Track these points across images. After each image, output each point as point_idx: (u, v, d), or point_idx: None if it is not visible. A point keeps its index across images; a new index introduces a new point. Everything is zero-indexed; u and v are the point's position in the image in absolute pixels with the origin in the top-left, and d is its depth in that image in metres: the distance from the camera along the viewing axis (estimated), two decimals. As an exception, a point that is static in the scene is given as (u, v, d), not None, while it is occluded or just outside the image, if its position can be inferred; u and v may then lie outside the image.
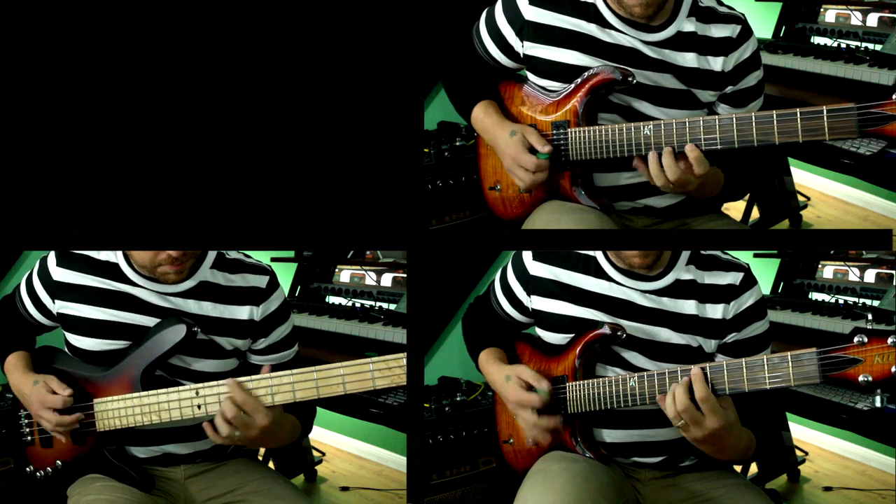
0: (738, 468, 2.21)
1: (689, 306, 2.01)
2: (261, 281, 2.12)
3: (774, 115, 1.93)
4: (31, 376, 2.08)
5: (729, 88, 2.10)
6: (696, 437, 1.86)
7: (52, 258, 2.09)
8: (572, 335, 2.05)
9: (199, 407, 2.01)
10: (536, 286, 2.10)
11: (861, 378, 1.75)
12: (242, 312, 2.09)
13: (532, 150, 2.09)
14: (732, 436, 1.88)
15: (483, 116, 2.17)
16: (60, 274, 2.08)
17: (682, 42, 2.07)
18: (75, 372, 2.08)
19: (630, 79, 2.03)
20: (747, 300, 2.02)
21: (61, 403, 2.05)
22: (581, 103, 2.07)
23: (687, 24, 2.07)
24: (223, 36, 2.28)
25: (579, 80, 2.07)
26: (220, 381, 2.00)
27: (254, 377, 1.99)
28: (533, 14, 2.11)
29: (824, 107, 1.89)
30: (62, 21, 2.26)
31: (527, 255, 2.12)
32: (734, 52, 2.08)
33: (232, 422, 1.95)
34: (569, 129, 2.09)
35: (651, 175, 2.00)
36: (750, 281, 2.03)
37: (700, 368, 1.86)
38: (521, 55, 2.14)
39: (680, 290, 2.02)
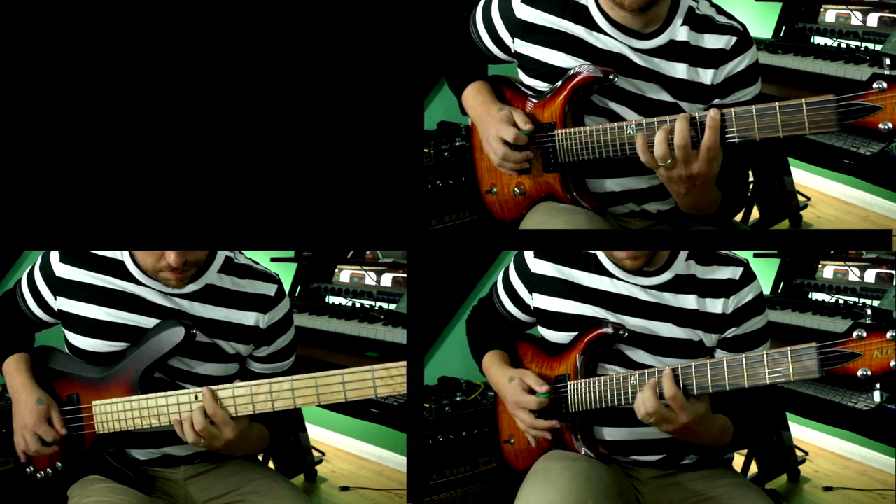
0: (738, 468, 2.21)
1: (689, 301, 2.01)
2: (269, 289, 2.12)
3: (754, 110, 1.88)
4: (35, 391, 2.06)
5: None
6: (668, 430, 1.91)
7: (55, 254, 2.08)
8: (574, 333, 2.06)
9: (197, 412, 2.01)
10: (538, 284, 2.11)
11: (860, 372, 1.75)
12: (249, 319, 2.09)
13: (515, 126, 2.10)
14: (703, 426, 1.91)
15: (475, 95, 2.17)
16: (63, 270, 2.07)
17: (674, 52, 2.03)
18: (73, 373, 2.08)
19: (611, 76, 2.02)
20: (747, 295, 2.02)
21: (50, 439, 2.04)
22: (565, 104, 2.06)
23: (681, 33, 2.03)
24: (223, 36, 2.28)
25: (560, 81, 2.07)
26: (221, 386, 1.99)
27: (253, 382, 1.98)
28: (524, 13, 2.10)
29: (803, 100, 1.85)
30: (62, 21, 2.26)
31: (528, 253, 2.13)
32: (726, 65, 2.03)
33: (200, 433, 1.96)
34: (555, 131, 2.08)
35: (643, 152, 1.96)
36: (749, 276, 2.03)
37: (671, 370, 1.89)
38: (513, 51, 2.14)
39: (680, 285, 2.02)
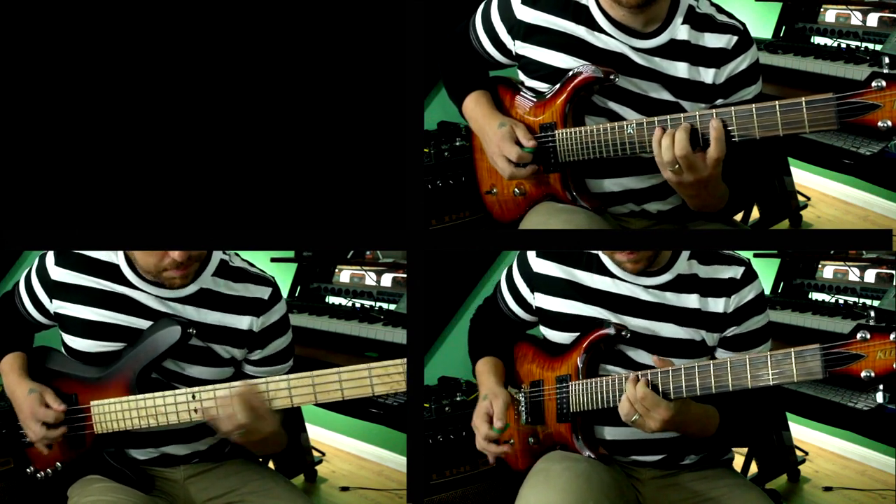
0: (738, 468, 2.21)
1: (691, 300, 2.01)
2: (263, 292, 2.11)
3: (754, 109, 1.89)
4: (26, 383, 2.07)
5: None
6: (653, 428, 1.90)
7: (50, 257, 2.08)
8: (576, 334, 2.06)
9: (195, 411, 2.00)
10: (540, 283, 2.11)
11: (864, 374, 1.75)
12: (243, 322, 2.08)
13: (518, 143, 2.09)
14: (683, 416, 1.91)
15: (474, 106, 2.17)
16: (58, 273, 2.07)
17: (675, 51, 2.03)
18: (71, 373, 2.08)
19: (612, 77, 2.02)
20: (748, 294, 2.02)
21: (52, 419, 2.04)
22: (565, 104, 2.06)
23: (681, 32, 2.03)
24: (223, 36, 2.28)
25: (561, 81, 2.07)
26: (218, 385, 1.99)
27: (249, 381, 1.99)
28: (524, 14, 2.10)
29: (803, 98, 1.85)
30: (62, 21, 2.26)
31: (531, 252, 2.13)
32: (728, 65, 2.03)
33: (244, 425, 1.95)
34: (556, 131, 2.08)
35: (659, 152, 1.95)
36: (751, 275, 2.03)
37: (634, 375, 1.91)
38: (514, 53, 2.14)
39: (682, 284, 2.02)
